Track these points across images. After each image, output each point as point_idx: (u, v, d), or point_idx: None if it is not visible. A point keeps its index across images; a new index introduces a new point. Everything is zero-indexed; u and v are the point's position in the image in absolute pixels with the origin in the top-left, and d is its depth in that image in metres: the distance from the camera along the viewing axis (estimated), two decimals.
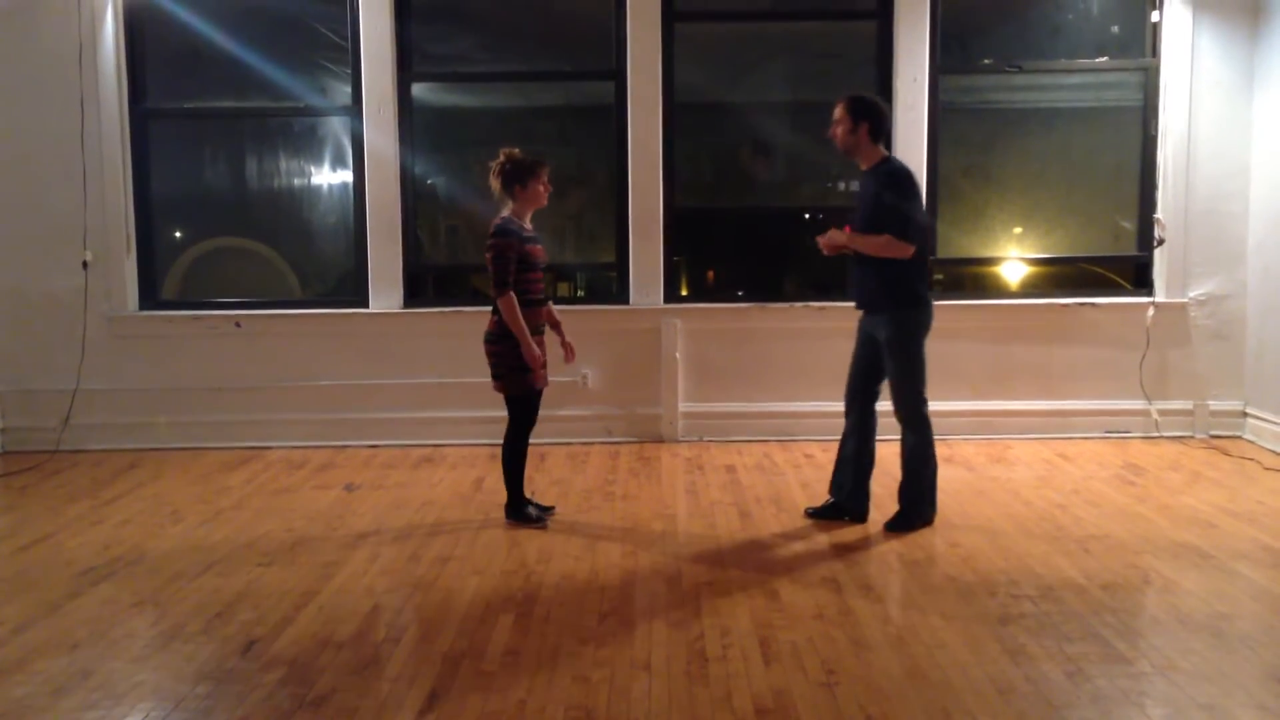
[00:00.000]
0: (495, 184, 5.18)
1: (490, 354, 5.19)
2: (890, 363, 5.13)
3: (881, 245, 4.98)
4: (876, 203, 5.03)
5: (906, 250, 4.95)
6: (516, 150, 5.19)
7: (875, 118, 5.13)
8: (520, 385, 5.16)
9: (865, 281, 5.17)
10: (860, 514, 5.30)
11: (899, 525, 5.16)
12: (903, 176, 5.05)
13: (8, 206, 7.00)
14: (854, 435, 5.31)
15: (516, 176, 5.14)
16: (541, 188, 5.18)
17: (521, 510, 5.31)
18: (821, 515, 5.37)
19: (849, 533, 5.11)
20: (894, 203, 4.97)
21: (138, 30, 7.12)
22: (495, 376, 5.21)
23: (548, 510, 5.45)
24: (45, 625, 4.08)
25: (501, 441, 5.29)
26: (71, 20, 6.88)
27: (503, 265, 5.03)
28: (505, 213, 5.17)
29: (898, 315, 5.08)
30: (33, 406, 7.07)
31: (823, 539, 5.02)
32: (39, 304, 7.04)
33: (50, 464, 6.74)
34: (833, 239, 5.16)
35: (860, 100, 5.18)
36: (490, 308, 5.19)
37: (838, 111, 5.17)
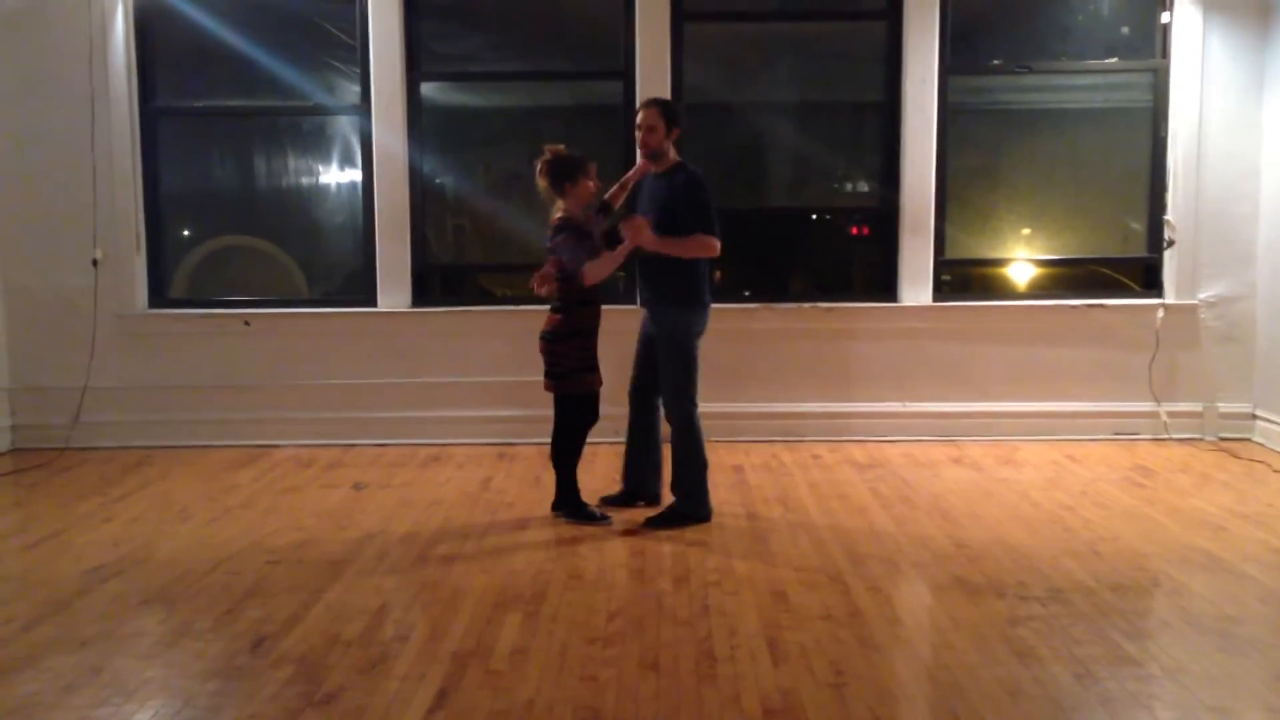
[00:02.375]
0: (542, 183, 5.16)
1: (551, 353, 5.17)
2: (663, 361, 5.21)
3: (696, 246, 5.05)
4: (673, 206, 5.07)
5: (716, 246, 5.05)
6: (561, 147, 5.17)
7: (682, 122, 5.22)
8: (584, 384, 5.19)
9: (649, 279, 5.25)
10: (654, 497, 5.48)
11: (665, 521, 5.23)
12: (703, 182, 5.13)
13: (18, 204, 7.02)
14: (641, 434, 5.45)
15: (566, 174, 5.13)
16: (591, 184, 5.18)
17: (583, 509, 5.32)
18: (616, 502, 5.51)
19: (856, 534, 5.10)
20: (701, 206, 5.04)
21: (148, 29, 7.13)
22: (555, 376, 5.19)
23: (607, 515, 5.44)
24: (54, 622, 4.09)
25: (550, 442, 5.35)
26: (82, 19, 6.90)
27: (576, 255, 5.05)
28: (559, 213, 5.16)
29: (674, 314, 5.17)
30: (42, 404, 7.09)
31: (830, 540, 5.01)
32: (49, 302, 7.06)
33: (59, 461, 6.75)
34: (643, 232, 5.04)
35: (670, 104, 5.25)
36: (549, 306, 5.21)
37: (651, 117, 5.14)
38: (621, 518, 5.36)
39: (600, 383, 5.27)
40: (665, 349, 5.21)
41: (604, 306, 5.28)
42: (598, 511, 5.35)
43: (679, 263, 5.11)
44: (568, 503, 5.36)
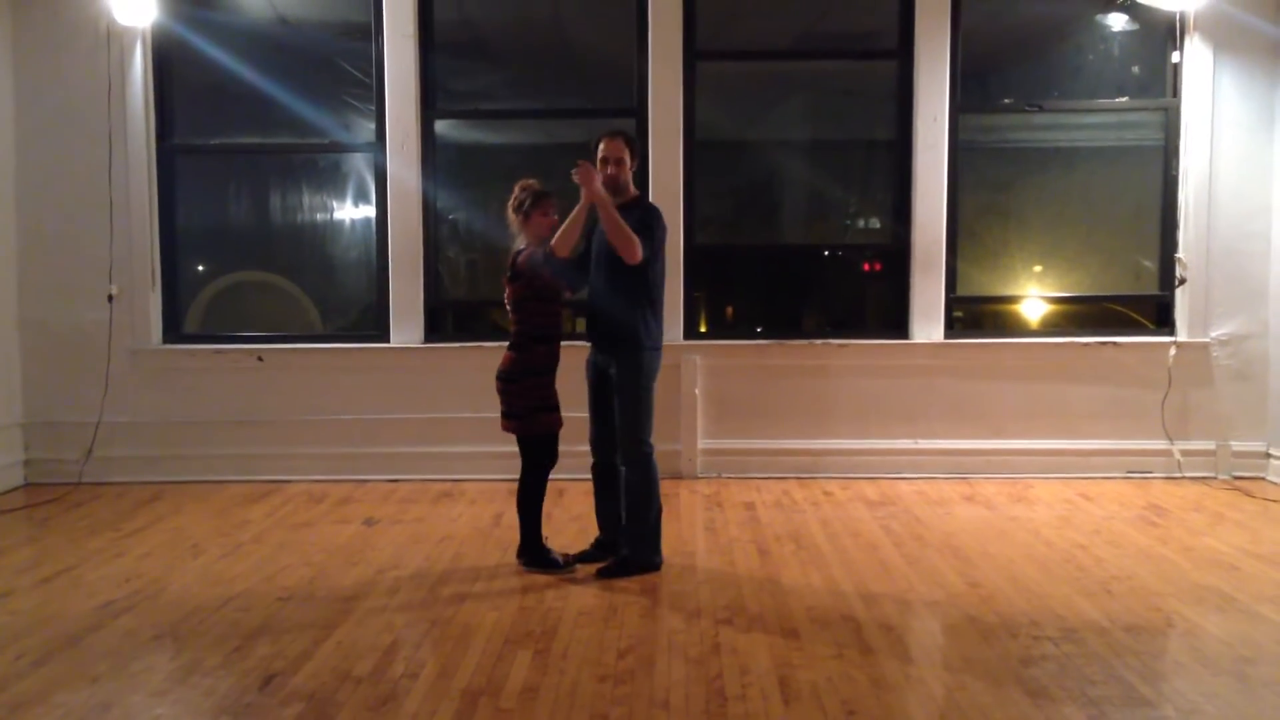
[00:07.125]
0: (516, 216, 5.12)
1: (506, 393, 5.09)
2: (623, 405, 5.05)
3: (626, 236, 4.83)
4: (638, 233, 4.91)
5: (639, 254, 4.86)
6: (533, 181, 5.13)
7: (638, 153, 5.18)
8: (543, 425, 5.07)
9: (603, 317, 5.12)
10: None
11: (617, 571, 5.06)
12: (660, 213, 5.07)
13: (36, 240, 7.09)
14: (608, 484, 5.27)
15: (532, 204, 5.09)
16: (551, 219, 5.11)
17: (544, 555, 5.16)
18: (590, 558, 5.26)
19: (868, 572, 5.08)
20: (651, 230, 4.94)
21: (166, 67, 7.22)
22: (511, 416, 5.09)
23: (572, 562, 5.24)
24: (65, 658, 4.10)
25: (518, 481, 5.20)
26: (100, 57, 6.99)
27: (534, 256, 5.06)
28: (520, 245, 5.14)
29: (634, 356, 5.01)
30: (56, 438, 7.13)
31: (842, 578, 4.99)
32: (64, 337, 7.11)
33: (72, 496, 6.78)
34: (593, 178, 4.90)
35: (632, 136, 5.19)
36: (506, 344, 5.14)
37: (618, 149, 5.05)
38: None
39: (560, 423, 5.12)
40: (627, 393, 5.03)
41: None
42: (559, 558, 5.16)
43: (636, 307, 4.99)
44: (528, 549, 5.18)
